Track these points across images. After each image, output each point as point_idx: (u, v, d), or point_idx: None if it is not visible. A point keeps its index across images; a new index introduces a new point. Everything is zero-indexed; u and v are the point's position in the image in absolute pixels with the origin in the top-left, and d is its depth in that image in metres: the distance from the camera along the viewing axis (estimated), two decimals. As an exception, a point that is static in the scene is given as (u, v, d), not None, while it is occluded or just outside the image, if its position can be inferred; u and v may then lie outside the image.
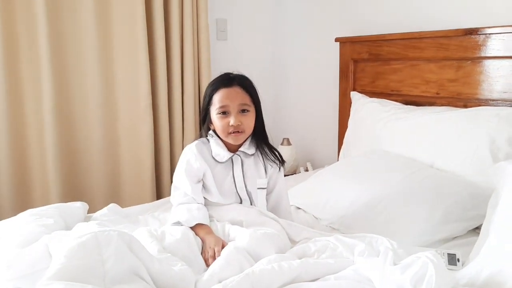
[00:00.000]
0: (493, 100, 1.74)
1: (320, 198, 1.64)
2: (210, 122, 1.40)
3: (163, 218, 1.43)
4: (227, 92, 1.34)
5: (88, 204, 1.51)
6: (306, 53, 2.68)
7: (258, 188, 1.43)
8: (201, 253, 1.20)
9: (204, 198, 1.40)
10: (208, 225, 1.31)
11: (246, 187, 1.41)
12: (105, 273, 0.92)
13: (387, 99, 2.07)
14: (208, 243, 1.22)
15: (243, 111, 1.35)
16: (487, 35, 1.71)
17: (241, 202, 1.42)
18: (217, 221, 1.35)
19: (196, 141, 1.42)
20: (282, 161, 1.47)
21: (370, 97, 2.16)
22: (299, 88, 2.78)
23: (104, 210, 1.44)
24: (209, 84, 1.41)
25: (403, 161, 1.71)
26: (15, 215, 1.38)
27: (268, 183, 1.46)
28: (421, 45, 1.93)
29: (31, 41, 1.93)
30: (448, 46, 1.84)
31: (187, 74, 2.32)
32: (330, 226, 1.54)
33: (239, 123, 1.33)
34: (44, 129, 1.98)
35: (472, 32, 1.75)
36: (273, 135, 1.50)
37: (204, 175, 1.39)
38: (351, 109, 2.20)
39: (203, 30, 2.35)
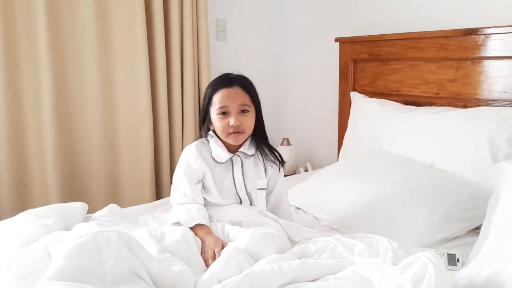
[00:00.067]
0: (492, 100, 1.74)
1: (319, 198, 1.64)
2: (210, 122, 1.40)
3: (163, 219, 1.43)
4: (227, 92, 1.34)
5: (88, 204, 1.51)
6: (306, 53, 2.68)
7: (258, 189, 1.43)
8: (201, 254, 1.20)
9: (204, 198, 1.40)
10: (208, 225, 1.31)
11: (246, 187, 1.41)
12: (105, 273, 0.92)
13: (387, 99, 2.07)
14: (208, 243, 1.21)
15: (243, 111, 1.35)
16: (487, 35, 1.71)
17: (240, 203, 1.42)
18: (217, 221, 1.35)
19: (196, 142, 1.42)
20: (282, 162, 1.47)
21: (370, 97, 2.16)
22: (299, 88, 2.78)
23: (104, 210, 1.44)
24: (209, 85, 1.41)
25: (403, 161, 1.71)
26: (14, 215, 1.38)
27: (268, 183, 1.46)
28: (421, 45, 1.93)
29: (31, 41, 1.93)
30: (448, 46, 1.84)
31: (187, 74, 2.32)
32: (329, 227, 1.54)
33: (239, 124, 1.33)
34: (43, 129, 1.98)
35: (472, 32, 1.75)
36: (273, 135, 1.49)
37: (203, 175, 1.38)
38: (351, 109, 2.20)
39: (202, 30, 2.35)
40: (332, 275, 1.04)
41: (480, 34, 1.73)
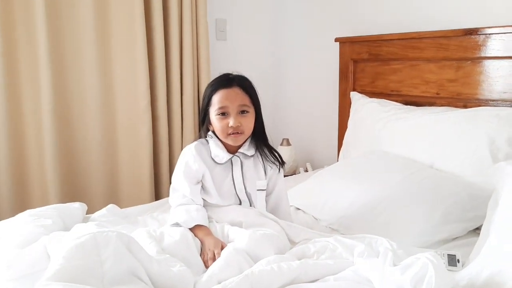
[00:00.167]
0: (492, 100, 1.73)
1: (319, 198, 1.64)
2: (209, 123, 1.39)
3: (162, 219, 1.43)
4: (226, 93, 1.34)
5: (87, 204, 1.51)
6: (306, 53, 2.68)
7: (258, 190, 1.43)
8: (200, 255, 1.19)
9: (203, 199, 1.39)
10: (207, 226, 1.31)
11: (245, 188, 1.41)
12: (104, 274, 0.92)
13: (387, 99, 2.07)
14: (208, 245, 1.21)
15: (243, 112, 1.34)
16: (487, 35, 1.71)
17: (240, 204, 1.42)
18: (216, 222, 1.35)
19: (195, 142, 1.42)
20: (282, 163, 1.46)
21: (370, 97, 2.16)
22: (299, 88, 2.77)
23: (103, 210, 1.44)
24: (208, 85, 1.40)
25: (403, 161, 1.70)
26: (13, 215, 1.38)
27: (267, 184, 1.45)
28: (421, 45, 1.93)
29: (30, 41, 1.92)
30: (448, 46, 1.83)
31: (186, 74, 2.32)
32: (329, 227, 1.54)
33: (239, 124, 1.32)
34: (42, 129, 1.98)
35: (472, 32, 1.75)
36: (273, 136, 1.49)
37: (203, 176, 1.38)
38: (351, 109, 2.20)
39: (202, 30, 2.35)
40: (331, 275, 1.04)
41: (480, 34, 1.72)
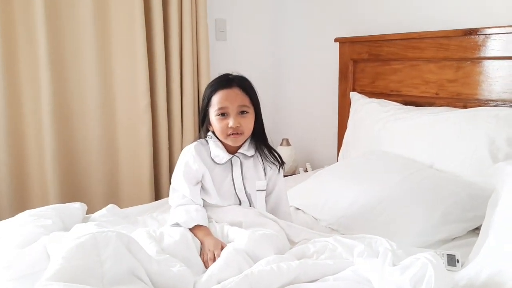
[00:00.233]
0: (492, 100, 1.73)
1: (319, 199, 1.64)
2: (209, 123, 1.39)
3: (162, 219, 1.43)
4: (226, 93, 1.33)
5: (87, 204, 1.51)
6: (306, 53, 2.68)
7: (257, 190, 1.43)
8: (200, 255, 1.19)
9: (203, 199, 1.39)
10: (207, 226, 1.31)
11: (245, 189, 1.41)
12: (104, 274, 0.92)
13: (387, 99, 2.07)
14: (207, 245, 1.21)
15: (242, 112, 1.34)
16: (487, 35, 1.71)
17: (240, 204, 1.42)
18: (216, 222, 1.35)
19: (195, 143, 1.42)
20: (281, 163, 1.46)
21: (370, 97, 2.16)
22: (299, 89, 2.77)
23: (103, 211, 1.44)
24: (208, 85, 1.40)
25: (402, 161, 1.70)
26: (13, 215, 1.38)
27: (267, 184, 1.45)
28: (421, 45, 1.93)
29: (30, 41, 1.93)
30: (448, 47, 1.83)
31: (186, 74, 2.32)
32: (329, 227, 1.54)
33: (238, 125, 1.32)
34: (42, 129, 1.98)
35: (471, 32, 1.75)
36: (272, 136, 1.49)
37: (202, 177, 1.38)
38: (351, 109, 2.20)
39: (202, 30, 2.35)
40: (331, 275, 1.04)
41: (480, 34, 1.72)
